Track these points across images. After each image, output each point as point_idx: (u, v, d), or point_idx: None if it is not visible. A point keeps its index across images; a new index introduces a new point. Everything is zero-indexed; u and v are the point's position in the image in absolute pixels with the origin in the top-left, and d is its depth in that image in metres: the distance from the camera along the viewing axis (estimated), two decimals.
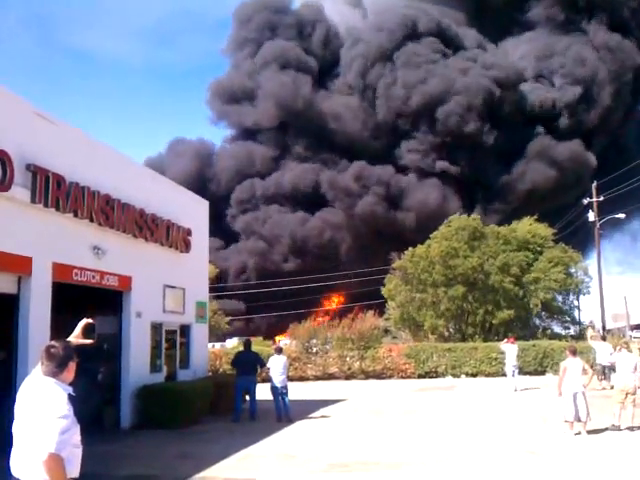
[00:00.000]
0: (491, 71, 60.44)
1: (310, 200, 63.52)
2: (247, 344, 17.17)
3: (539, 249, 34.87)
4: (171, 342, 16.94)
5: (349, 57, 65.33)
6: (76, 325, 4.81)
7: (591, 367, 14.59)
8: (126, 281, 14.63)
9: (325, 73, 69.43)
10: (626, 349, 14.44)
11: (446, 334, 33.81)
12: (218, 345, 40.26)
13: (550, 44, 63.34)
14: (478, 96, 58.38)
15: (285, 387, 15.45)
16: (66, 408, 3.82)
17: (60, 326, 10.93)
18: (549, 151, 59.68)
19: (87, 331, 4.68)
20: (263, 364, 16.14)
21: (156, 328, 16.01)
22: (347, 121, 63.98)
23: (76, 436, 3.93)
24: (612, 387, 16.74)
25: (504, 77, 60.53)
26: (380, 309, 36.59)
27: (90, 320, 4.73)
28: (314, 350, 28.33)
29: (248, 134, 69.76)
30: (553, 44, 63.30)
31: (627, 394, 12.88)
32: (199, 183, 58.99)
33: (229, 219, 65.09)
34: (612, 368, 17.35)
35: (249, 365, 15.98)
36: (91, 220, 13.08)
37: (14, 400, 4.03)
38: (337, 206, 63.06)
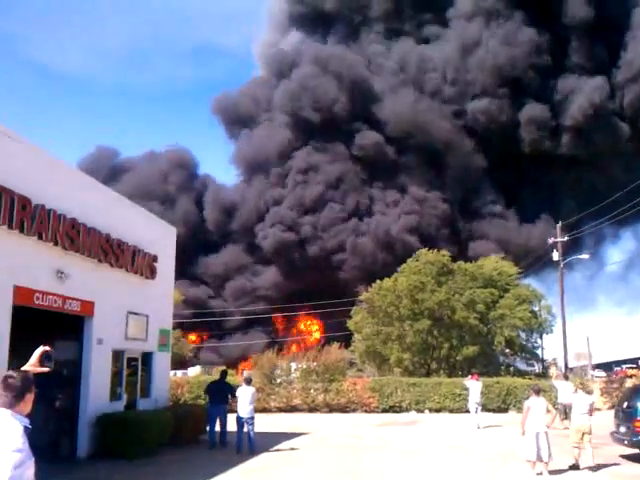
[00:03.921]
0: None
1: None
2: (223, 374, 17.78)
3: (505, 287, 35.24)
4: (132, 370, 16.62)
5: None
6: (35, 351, 4.69)
7: (554, 406, 14.67)
8: (88, 307, 14.35)
9: None
10: (582, 390, 14.68)
11: (411, 368, 33.79)
12: (180, 373, 39.73)
13: None
14: None
15: (252, 418, 15.35)
16: (20, 441, 3.69)
17: (19, 351, 10.66)
18: None
19: (44, 359, 4.54)
20: (234, 394, 16.36)
21: (117, 355, 15.72)
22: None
23: (30, 470, 3.78)
24: None
25: None
26: (346, 341, 36.52)
27: (47, 348, 4.60)
28: (278, 381, 28.06)
29: None
30: None
31: (583, 434, 13.00)
32: None
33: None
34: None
35: (221, 394, 16.57)
36: (56, 244, 12.86)
37: None
38: None
